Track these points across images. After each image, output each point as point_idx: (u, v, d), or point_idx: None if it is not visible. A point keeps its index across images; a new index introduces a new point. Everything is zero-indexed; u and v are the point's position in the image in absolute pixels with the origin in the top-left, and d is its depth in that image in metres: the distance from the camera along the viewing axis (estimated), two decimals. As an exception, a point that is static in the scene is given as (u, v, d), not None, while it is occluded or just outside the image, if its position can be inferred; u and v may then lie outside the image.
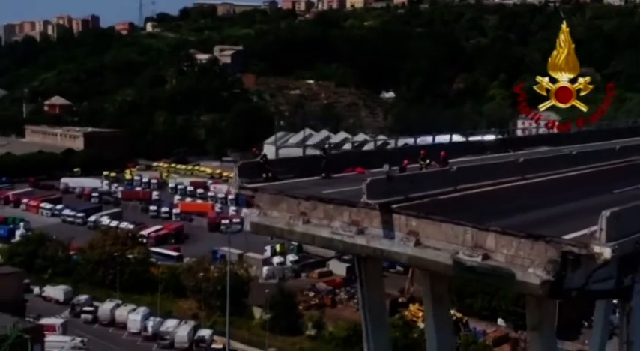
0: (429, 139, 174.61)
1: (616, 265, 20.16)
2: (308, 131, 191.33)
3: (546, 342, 23.56)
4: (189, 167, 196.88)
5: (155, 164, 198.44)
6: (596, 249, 17.72)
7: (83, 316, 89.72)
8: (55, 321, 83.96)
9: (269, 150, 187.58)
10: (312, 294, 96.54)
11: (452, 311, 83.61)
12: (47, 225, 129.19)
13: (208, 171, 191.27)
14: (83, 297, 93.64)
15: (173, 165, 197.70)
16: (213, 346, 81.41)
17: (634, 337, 22.12)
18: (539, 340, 23.40)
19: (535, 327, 23.31)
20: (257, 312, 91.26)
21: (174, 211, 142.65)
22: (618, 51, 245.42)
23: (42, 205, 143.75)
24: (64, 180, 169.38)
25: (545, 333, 23.39)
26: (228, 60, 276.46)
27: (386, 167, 22.66)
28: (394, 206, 21.32)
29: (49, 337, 78.48)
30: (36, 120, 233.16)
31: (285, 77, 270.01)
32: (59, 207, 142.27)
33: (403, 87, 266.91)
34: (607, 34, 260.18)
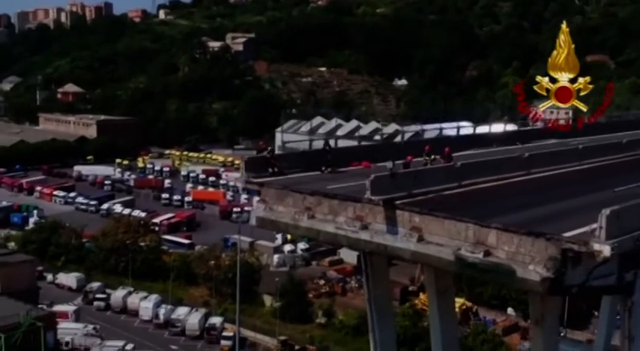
0: (443, 126, 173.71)
1: (617, 262, 20.28)
2: (319, 119, 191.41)
3: (549, 336, 23.73)
4: (202, 155, 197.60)
5: (167, 152, 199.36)
6: (596, 247, 17.86)
7: (96, 303, 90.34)
8: (68, 308, 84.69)
9: (280, 138, 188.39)
10: (322, 282, 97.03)
11: (462, 300, 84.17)
12: (60, 212, 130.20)
13: (220, 159, 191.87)
14: (96, 284, 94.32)
15: (185, 153, 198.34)
16: (224, 333, 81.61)
17: (636, 332, 22.27)
18: (542, 335, 23.59)
19: (538, 321, 23.48)
20: (268, 300, 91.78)
21: (187, 199, 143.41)
22: (633, 38, 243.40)
23: (55, 192, 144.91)
24: (77, 168, 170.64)
25: (547, 327, 23.55)
26: (240, 47, 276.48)
27: (389, 164, 22.84)
28: (398, 202, 21.52)
29: (62, 324, 79.50)
30: (49, 108, 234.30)
31: (297, 65, 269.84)
32: (72, 195, 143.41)
33: (416, 74, 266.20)
34: (622, 21, 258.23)
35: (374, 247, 22.09)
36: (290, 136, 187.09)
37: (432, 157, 26.26)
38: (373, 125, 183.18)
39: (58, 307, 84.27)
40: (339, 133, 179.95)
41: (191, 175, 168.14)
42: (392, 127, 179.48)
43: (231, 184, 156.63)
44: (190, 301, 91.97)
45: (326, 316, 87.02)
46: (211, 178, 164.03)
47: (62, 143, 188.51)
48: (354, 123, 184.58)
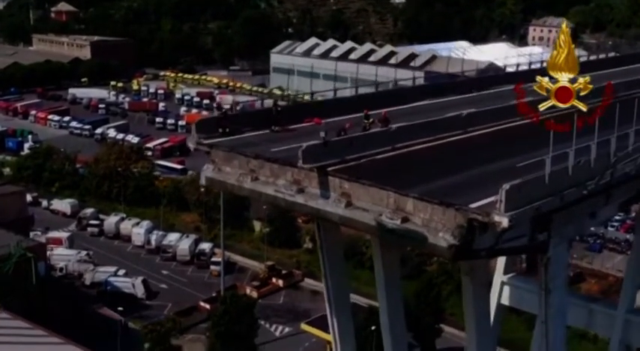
0: (438, 47, 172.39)
1: (529, 224, 21.96)
2: (314, 40, 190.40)
3: (478, 286, 25.62)
4: (197, 76, 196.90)
5: (162, 73, 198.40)
6: (496, 218, 19.50)
7: (89, 229, 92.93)
8: (62, 235, 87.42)
9: (276, 59, 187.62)
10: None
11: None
12: (55, 137, 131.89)
13: (215, 80, 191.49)
14: (89, 210, 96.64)
15: (180, 74, 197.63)
16: (214, 259, 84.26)
17: (552, 285, 24.16)
18: (471, 285, 25.46)
19: (467, 272, 25.35)
20: (257, 225, 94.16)
21: (180, 122, 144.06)
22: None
23: (50, 116, 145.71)
24: (71, 90, 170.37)
25: (476, 278, 25.40)
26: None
27: (322, 133, 24.20)
28: (330, 169, 23.02)
29: (56, 251, 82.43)
30: (43, 28, 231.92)
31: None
32: (67, 119, 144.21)
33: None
34: None
35: (308, 210, 23.76)
36: (284, 58, 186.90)
37: (371, 119, 27.52)
38: (368, 46, 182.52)
39: (52, 234, 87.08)
40: (333, 54, 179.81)
41: (185, 97, 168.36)
42: (387, 48, 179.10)
43: (226, 106, 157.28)
44: (182, 227, 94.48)
45: (313, 242, 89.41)
46: (205, 101, 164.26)
47: (56, 65, 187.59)
48: (348, 44, 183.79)
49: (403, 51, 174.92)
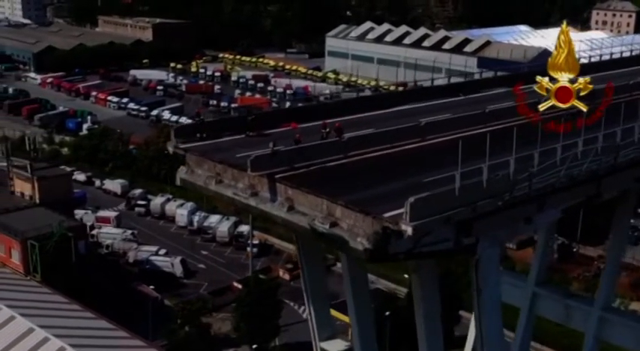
0: (497, 31, 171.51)
1: (454, 229, 24.16)
2: (369, 24, 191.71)
3: (426, 282, 27.96)
4: (254, 59, 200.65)
5: (221, 55, 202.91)
6: (403, 227, 21.86)
7: (137, 209, 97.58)
8: (110, 214, 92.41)
9: (331, 42, 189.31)
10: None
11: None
12: (113, 118, 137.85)
13: (272, 63, 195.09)
14: (138, 191, 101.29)
15: (238, 56, 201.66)
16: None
17: (482, 285, 26.32)
18: (419, 282, 27.83)
19: (415, 270, 27.74)
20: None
21: (233, 105, 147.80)
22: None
23: (109, 98, 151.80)
24: (132, 72, 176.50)
25: (424, 275, 27.75)
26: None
27: (271, 144, 26.89)
28: (277, 176, 25.72)
29: (104, 229, 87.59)
30: (109, 9, 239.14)
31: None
32: (125, 100, 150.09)
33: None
34: None
35: (258, 212, 26.52)
36: (339, 42, 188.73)
37: (327, 129, 29.91)
38: (422, 31, 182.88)
39: (101, 213, 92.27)
40: (388, 38, 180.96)
41: (241, 80, 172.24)
42: (441, 34, 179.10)
43: (279, 90, 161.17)
44: (224, 209, 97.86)
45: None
46: (260, 84, 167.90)
47: (119, 47, 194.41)
48: (403, 28, 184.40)
49: (457, 36, 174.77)
